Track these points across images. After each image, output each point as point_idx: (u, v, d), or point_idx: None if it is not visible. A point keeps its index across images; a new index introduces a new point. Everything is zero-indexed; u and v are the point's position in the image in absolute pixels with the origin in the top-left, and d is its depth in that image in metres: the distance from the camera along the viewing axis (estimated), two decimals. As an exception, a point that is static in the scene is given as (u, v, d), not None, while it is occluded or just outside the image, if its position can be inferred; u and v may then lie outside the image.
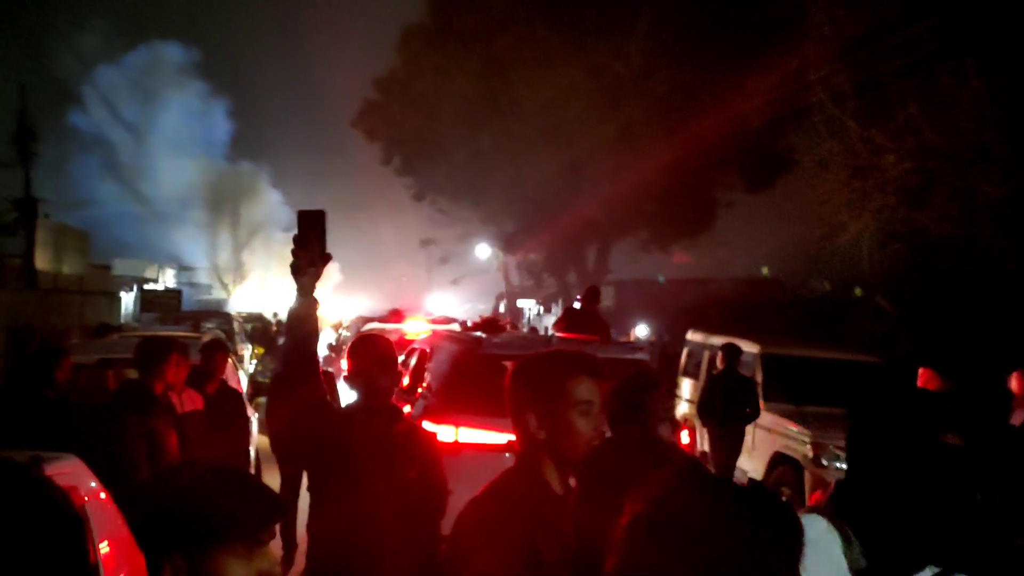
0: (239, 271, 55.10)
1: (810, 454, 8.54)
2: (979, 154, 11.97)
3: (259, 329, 22.21)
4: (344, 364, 8.82)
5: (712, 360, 11.32)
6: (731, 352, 9.64)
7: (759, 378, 9.96)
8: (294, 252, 2.71)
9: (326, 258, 2.74)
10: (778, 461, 9.13)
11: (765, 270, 29.39)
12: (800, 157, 14.76)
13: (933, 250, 13.55)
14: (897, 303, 15.73)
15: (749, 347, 10.43)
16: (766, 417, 9.44)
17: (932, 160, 12.49)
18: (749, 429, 9.53)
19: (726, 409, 9.38)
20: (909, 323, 15.02)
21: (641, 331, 22.01)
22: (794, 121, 14.96)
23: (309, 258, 2.72)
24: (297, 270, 2.72)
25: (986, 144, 11.76)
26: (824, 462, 8.39)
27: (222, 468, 1.59)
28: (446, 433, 6.13)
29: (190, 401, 5.45)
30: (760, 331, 11.79)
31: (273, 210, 57.69)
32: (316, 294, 2.77)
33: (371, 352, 3.40)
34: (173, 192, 53.32)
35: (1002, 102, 11.37)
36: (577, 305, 10.92)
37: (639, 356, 7.56)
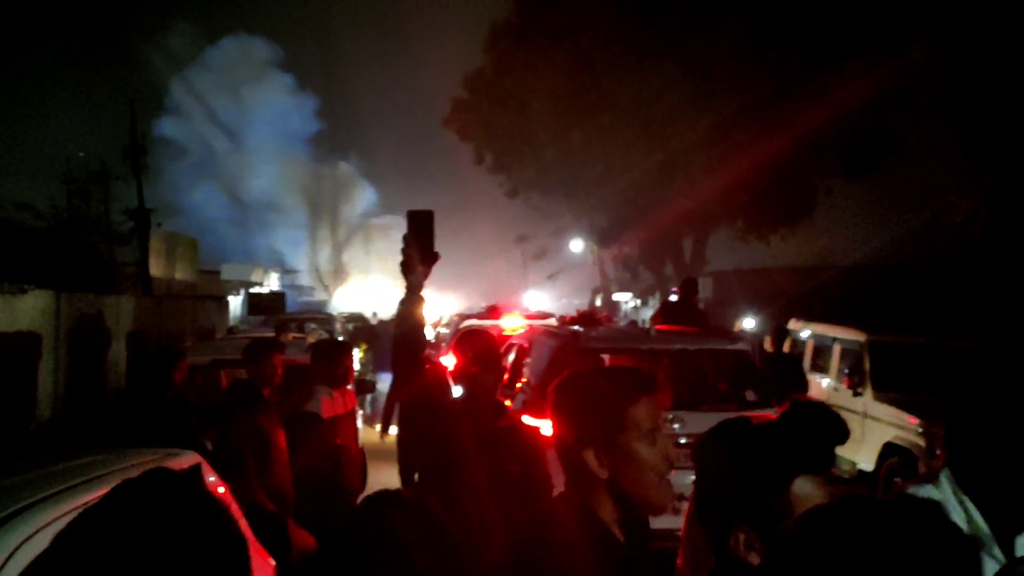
0: (339, 272, 56.54)
1: (923, 444, 8.26)
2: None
3: (360, 328, 22.71)
4: (444, 360, 8.97)
5: (818, 350, 11.07)
6: (780, 334, 10.46)
7: (867, 366, 9.69)
8: (404, 251, 2.80)
9: (434, 257, 2.82)
10: (889, 451, 8.87)
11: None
12: (904, 139, 14.23)
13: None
14: (1011, 285, 14.99)
15: (855, 335, 10.17)
16: (877, 407, 9.19)
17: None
18: (858, 419, 9.31)
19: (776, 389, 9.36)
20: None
21: (748, 323, 21.49)
22: (897, 103, 14.43)
23: (419, 257, 2.80)
24: (407, 268, 2.80)
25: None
26: (938, 452, 8.10)
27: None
28: (546, 427, 6.16)
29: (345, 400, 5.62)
30: (866, 319, 11.43)
31: (371, 211, 59.01)
32: (423, 292, 2.85)
33: (476, 349, 3.42)
34: (272, 195, 54.90)
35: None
36: (674, 298, 10.83)
37: (740, 347, 7.45)
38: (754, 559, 1.62)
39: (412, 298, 2.83)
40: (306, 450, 5.18)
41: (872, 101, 16.86)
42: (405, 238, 2.81)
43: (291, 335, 12.39)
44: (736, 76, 22.34)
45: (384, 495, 1.63)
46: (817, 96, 19.40)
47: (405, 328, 2.90)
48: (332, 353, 5.67)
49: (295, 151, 57.27)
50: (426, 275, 2.83)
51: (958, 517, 1.82)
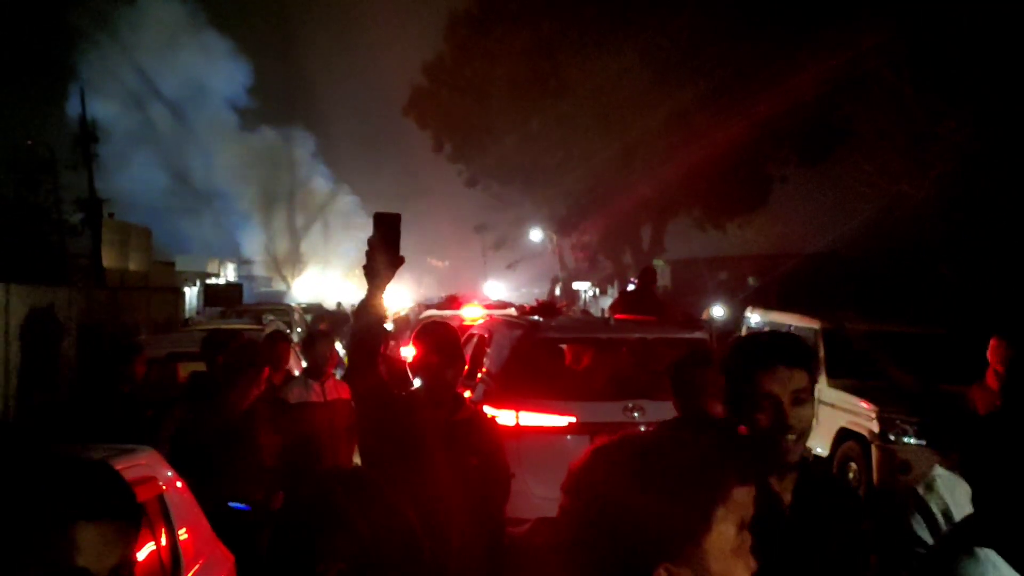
0: (298, 262, 56.04)
1: (876, 429, 8.43)
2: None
3: (318, 318, 22.56)
4: (403, 351, 8.95)
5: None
6: None
7: (821, 353, 9.84)
8: (369, 254, 2.78)
9: (399, 261, 2.80)
10: (844, 437, 9.04)
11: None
12: (857, 128, 14.48)
13: (997, 217, 13.20)
14: (961, 273, 15.35)
15: (809, 323, 10.32)
16: (830, 393, 9.34)
17: (993, 125, 12.14)
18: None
19: None
20: (974, 293, 14.65)
21: (717, 311, 21.58)
22: (849, 91, 14.67)
23: (384, 260, 2.78)
24: (371, 272, 2.78)
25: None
26: (891, 437, 8.28)
27: None
28: (506, 417, 6.18)
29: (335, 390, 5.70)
30: (819, 307, 11.63)
31: (329, 198, 58.38)
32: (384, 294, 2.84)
33: (436, 342, 3.36)
34: (225, 181, 53.76)
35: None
36: (631, 287, 10.93)
37: (698, 335, 7.51)
38: None
39: (374, 302, 2.83)
40: (275, 436, 5.21)
41: (825, 90, 17.11)
42: (370, 241, 2.79)
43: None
44: (693, 64, 22.51)
45: (330, 471, 1.71)
46: (772, 85, 19.64)
47: (364, 321, 2.90)
48: (306, 343, 5.93)
49: (252, 139, 56.33)
50: (389, 279, 2.81)
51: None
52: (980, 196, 13.02)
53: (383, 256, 2.78)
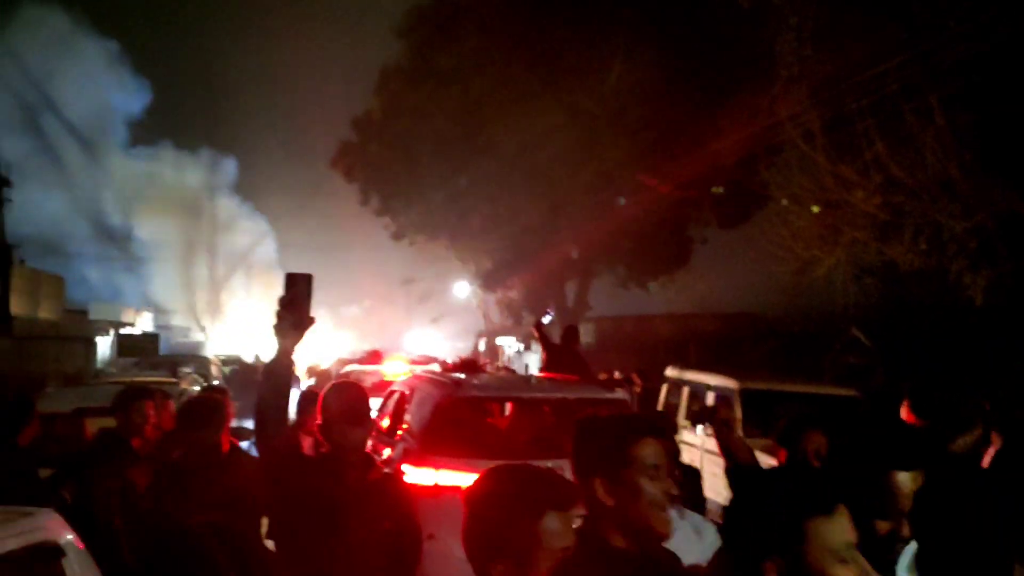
0: (217, 312, 54.79)
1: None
2: (944, 189, 12.22)
3: (238, 372, 22.06)
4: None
5: (694, 396, 11.42)
6: (642, 375, 12.28)
7: (739, 414, 10.02)
8: (278, 314, 2.76)
9: (310, 322, 2.79)
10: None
11: None
12: (772, 193, 15.02)
13: (904, 284, 13.77)
14: (872, 336, 15.91)
15: (728, 383, 10.52)
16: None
17: (899, 195, 12.74)
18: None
19: None
20: (884, 356, 15.19)
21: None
22: (766, 158, 15.25)
23: (293, 320, 2.76)
24: (280, 332, 2.76)
25: (950, 179, 12.03)
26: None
27: None
28: (427, 476, 6.12)
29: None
30: (738, 366, 11.90)
31: (250, 246, 57.41)
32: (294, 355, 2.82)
33: (343, 404, 3.28)
34: (144, 228, 52.32)
35: (964, 139, 11.67)
36: (548, 318, 11.12)
37: (618, 396, 7.60)
38: None
39: (283, 361, 2.81)
40: (172, 501, 4.98)
41: (743, 155, 17.71)
42: (280, 300, 2.77)
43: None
44: (618, 127, 23.11)
45: (207, 524, 1.74)
46: (693, 149, 20.27)
47: (273, 381, 2.86)
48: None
49: (172, 182, 54.91)
50: (299, 339, 2.80)
51: None
52: (889, 263, 13.59)
53: (293, 316, 2.77)
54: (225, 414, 4.72)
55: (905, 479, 2.26)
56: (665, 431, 2.27)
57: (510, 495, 2.00)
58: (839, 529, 1.64)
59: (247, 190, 58.24)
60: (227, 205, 57.59)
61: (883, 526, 2.35)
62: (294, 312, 2.76)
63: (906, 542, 2.09)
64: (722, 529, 1.90)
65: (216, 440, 4.62)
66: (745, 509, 1.75)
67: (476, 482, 2.07)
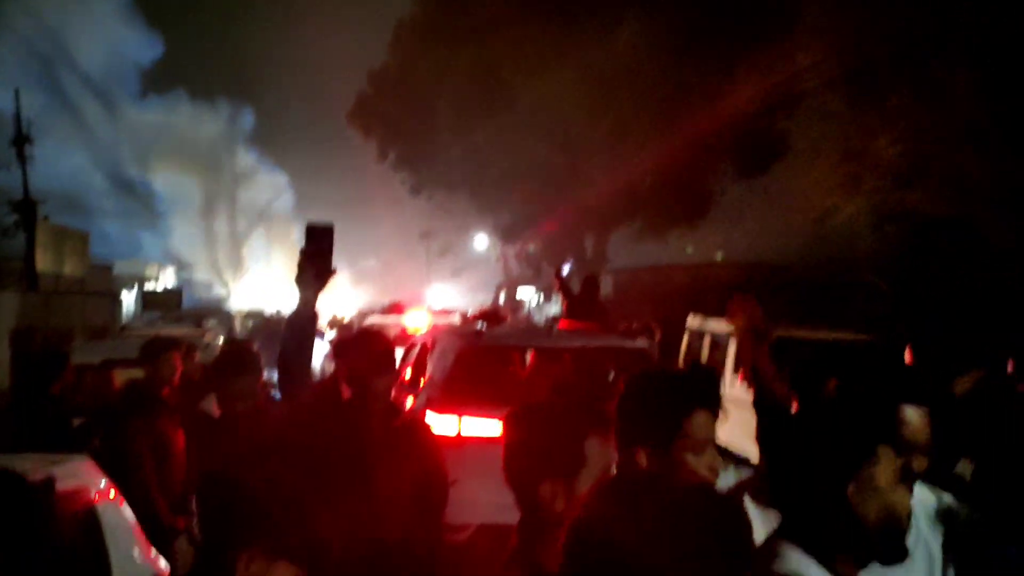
0: (239, 266, 55.13)
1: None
2: (971, 136, 12.04)
3: (261, 326, 22.28)
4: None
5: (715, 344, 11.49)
6: (665, 324, 11.80)
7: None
8: (300, 264, 2.77)
9: (331, 273, 2.80)
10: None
11: (720, 255, 29.59)
12: (793, 142, 14.87)
13: (927, 231, 13.65)
14: (892, 284, 15.83)
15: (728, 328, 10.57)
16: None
17: (924, 142, 12.57)
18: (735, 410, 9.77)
19: None
20: (904, 303, 15.12)
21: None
22: (787, 107, 15.06)
23: (316, 271, 2.77)
24: (302, 282, 2.78)
25: (979, 126, 11.83)
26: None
27: None
28: (449, 424, 6.22)
29: None
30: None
31: (272, 200, 57.53)
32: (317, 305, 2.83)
33: (367, 353, 3.32)
34: (165, 183, 52.34)
35: (992, 89, 11.45)
36: (567, 268, 11.18)
37: (639, 345, 7.64)
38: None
39: (305, 312, 2.81)
40: (200, 451, 5.09)
41: (762, 105, 17.50)
42: (302, 252, 2.78)
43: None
44: (635, 79, 22.83)
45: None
46: (712, 100, 20.01)
47: (296, 332, 2.87)
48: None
49: (192, 134, 54.74)
50: (320, 290, 2.80)
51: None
52: (910, 210, 13.46)
53: (314, 267, 2.78)
54: (260, 362, 4.81)
55: (913, 414, 2.28)
56: (720, 400, 2.08)
57: (667, 390, 2.09)
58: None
59: (264, 144, 58.28)
60: (245, 159, 57.65)
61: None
62: (316, 263, 2.77)
63: (916, 477, 2.12)
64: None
65: (256, 386, 4.72)
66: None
67: (633, 379, 2.15)
